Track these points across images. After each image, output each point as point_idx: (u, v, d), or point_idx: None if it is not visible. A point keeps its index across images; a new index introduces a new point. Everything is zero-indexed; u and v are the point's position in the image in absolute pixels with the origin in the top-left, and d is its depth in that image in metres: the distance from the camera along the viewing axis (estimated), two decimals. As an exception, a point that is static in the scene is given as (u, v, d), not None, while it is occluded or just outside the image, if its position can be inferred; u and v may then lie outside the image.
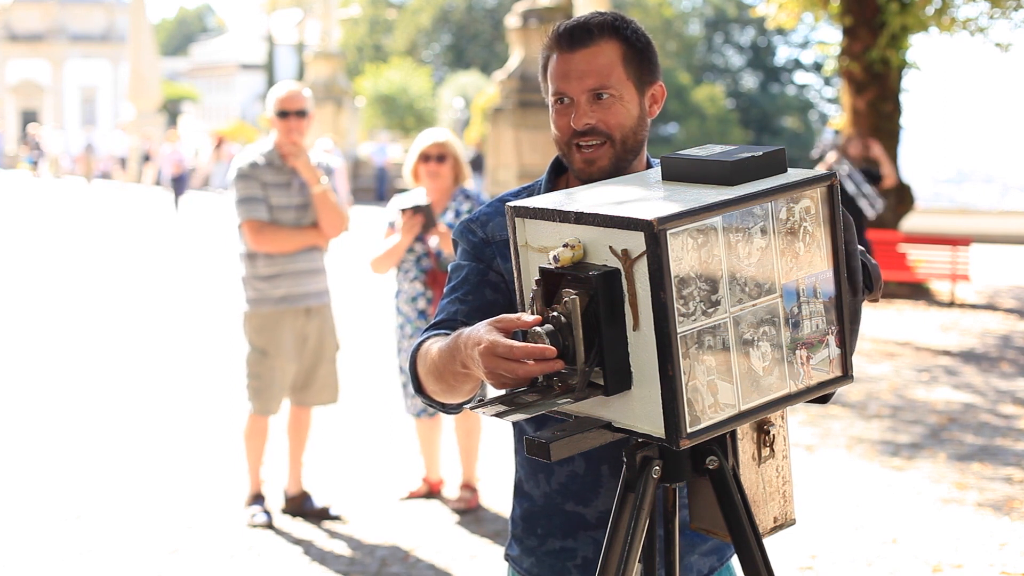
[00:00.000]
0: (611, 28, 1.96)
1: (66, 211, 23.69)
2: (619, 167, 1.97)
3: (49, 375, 8.44)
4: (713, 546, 2.09)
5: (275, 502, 5.47)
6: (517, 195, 2.09)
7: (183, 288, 13.22)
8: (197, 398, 7.75)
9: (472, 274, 2.02)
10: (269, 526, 5.18)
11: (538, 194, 2.07)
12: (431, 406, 1.98)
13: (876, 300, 1.94)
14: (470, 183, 5.46)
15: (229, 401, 7.64)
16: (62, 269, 14.73)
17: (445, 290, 2.05)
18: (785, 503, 1.89)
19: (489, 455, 6.17)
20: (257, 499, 5.30)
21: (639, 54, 1.98)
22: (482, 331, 1.65)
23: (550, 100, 1.99)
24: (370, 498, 5.65)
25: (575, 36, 1.95)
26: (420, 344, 1.94)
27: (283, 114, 5.04)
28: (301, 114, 5.06)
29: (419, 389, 1.94)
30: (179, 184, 24.55)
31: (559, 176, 2.11)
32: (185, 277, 14.18)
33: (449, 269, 2.08)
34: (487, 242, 2.04)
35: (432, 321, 2.01)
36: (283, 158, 5.08)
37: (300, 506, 5.34)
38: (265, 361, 5.13)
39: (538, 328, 1.60)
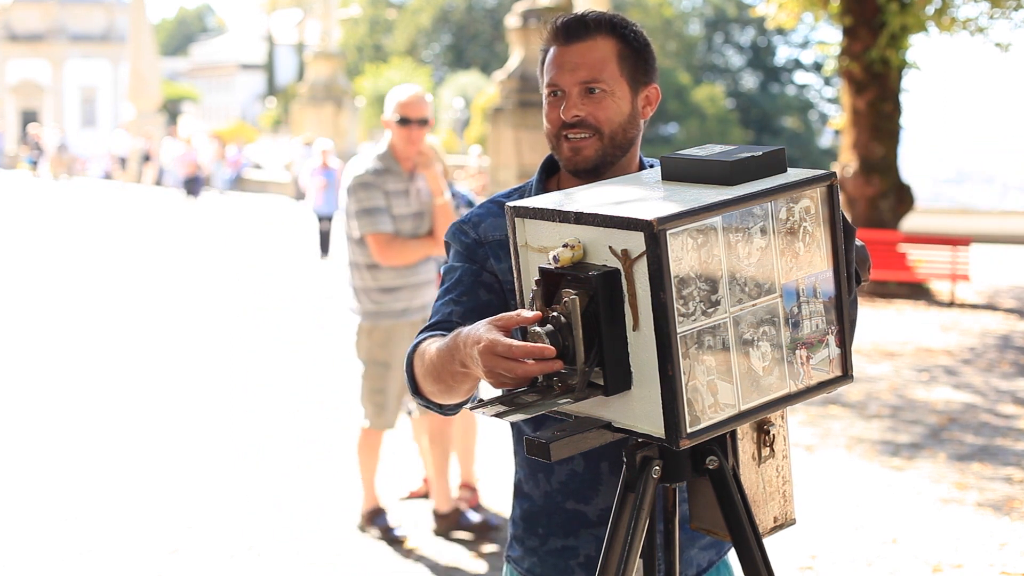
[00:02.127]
0: (608, 25, 1.98)
1: (66, 212, 23.69)
2: (605, 161, 1.98)
3: (49, 375, 8.44)
4: (712, 540, 2.10)
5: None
6: (508, 196, 2.09)
7: (187, 289, 13.22)
8: (198, 398, 7.75)
9: (466, 275, 2.03)
10: (401, 540, 5.01)
11: (530, 195, 2.08)
12: (428, 407, 1.98)
13: (867, 280, 1.95)
14: (465, 184, 5.41)
15: (230, 401, 7.64)
16: (63, 269, 14.73)
17: (439, 292, 2.05)
18: (785, 503, 1.89)
19: (489, 455, 6.17)
20: (378, 514, 5.12)
21: (635, 53, 1.99)
22: (481, 330, 1.64)
23: (544, 92, 2.00)
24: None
25: (571, 30, 1.97)
26: (417, 345, 1.94)
27: (405, 121, 4.79)
28: (423, 122, 4.83)
29: (415, 390, 1.94)
30: (192, 185, 23.81)
31: (550, 176, 2.12)
32: (190, 278, 14.18)
33: (442, 271, 2.08)
34: (480, 243, 2.04)
35: (427, 323, 2.01)
36: (403, 165, 4.86)
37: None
38: (388, 374, 4.97)
39: (538, 328, 1.60)
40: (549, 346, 1.56)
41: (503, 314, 1.65)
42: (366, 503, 5.16)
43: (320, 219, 15.92)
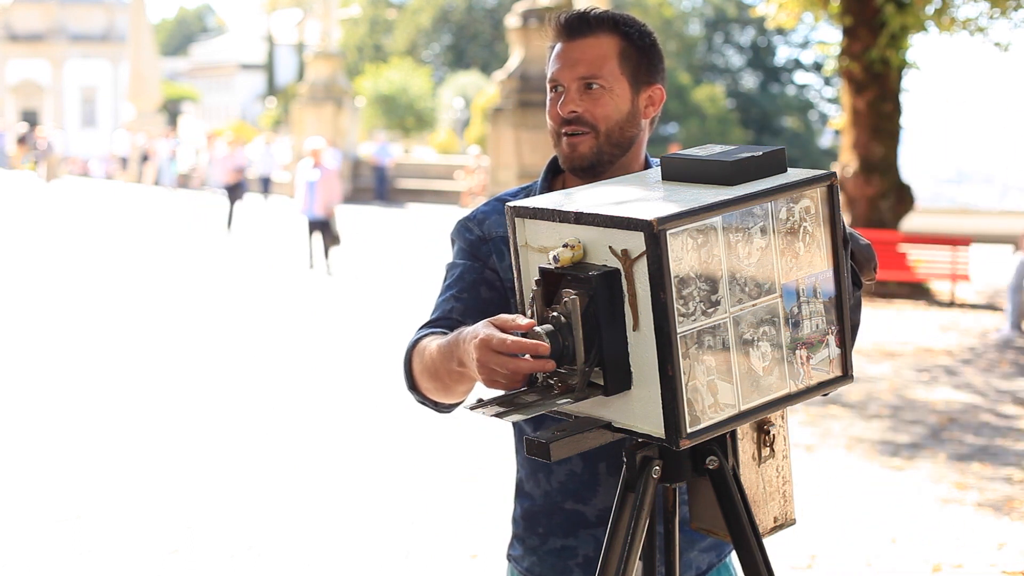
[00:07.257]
0: (611, 22, 1.97)
1: (65, 213, 23.68)
2: (602, 159, 1.97)
3: (50, 375, 8.44)
4: (712, 543, 2.09)
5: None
6: (515, 196, 2.09)
7: (187, 291, 13.22)
8: (197, 398, 7.74)
9: (467, 272, 2.03)
10: None
11: (535, 195, 2.08)
12: (423, 405, 1.99)
13: (872, 280, 1.95)
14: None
15: (230, 402, 7.64)
16: (64, 270, 14.73)
17: (441, 288, 2.06)
18: (785, 503, 1.89)
19: (489, 454, 6.17)
20: None
21: (638, 52, 1.98)
22: (479, 327, 1.67)
23: (548, 89, 2.00)
24: (370, 499, 5.65)
25: (573, 26, 1.98)
26: (416, 341, 1.95)
27: None
28: None
29: (412, 386, 1.95)
30: (235, 193, 20.42)
31: (555, 176, 2.12)
32: (189, 280, 14.17)
33: (445, 268, 2.09)
34: (484, 239, 2.05)
35: (427, 320, 2.01)
36: None
37: None
38: None
39: (538, 328, 1.60)
40: (543, 343, 1.57)
41: (502, 315, 1.66)
42: None
43: (311, 224, 14.39)
